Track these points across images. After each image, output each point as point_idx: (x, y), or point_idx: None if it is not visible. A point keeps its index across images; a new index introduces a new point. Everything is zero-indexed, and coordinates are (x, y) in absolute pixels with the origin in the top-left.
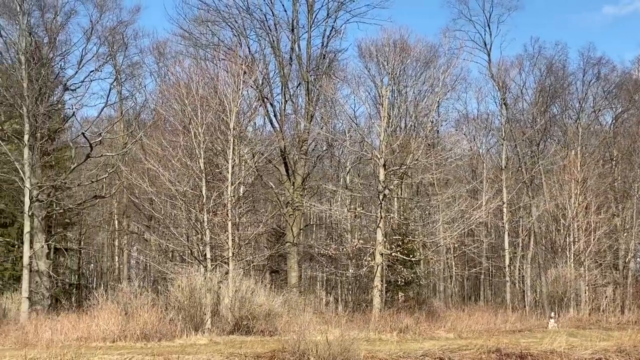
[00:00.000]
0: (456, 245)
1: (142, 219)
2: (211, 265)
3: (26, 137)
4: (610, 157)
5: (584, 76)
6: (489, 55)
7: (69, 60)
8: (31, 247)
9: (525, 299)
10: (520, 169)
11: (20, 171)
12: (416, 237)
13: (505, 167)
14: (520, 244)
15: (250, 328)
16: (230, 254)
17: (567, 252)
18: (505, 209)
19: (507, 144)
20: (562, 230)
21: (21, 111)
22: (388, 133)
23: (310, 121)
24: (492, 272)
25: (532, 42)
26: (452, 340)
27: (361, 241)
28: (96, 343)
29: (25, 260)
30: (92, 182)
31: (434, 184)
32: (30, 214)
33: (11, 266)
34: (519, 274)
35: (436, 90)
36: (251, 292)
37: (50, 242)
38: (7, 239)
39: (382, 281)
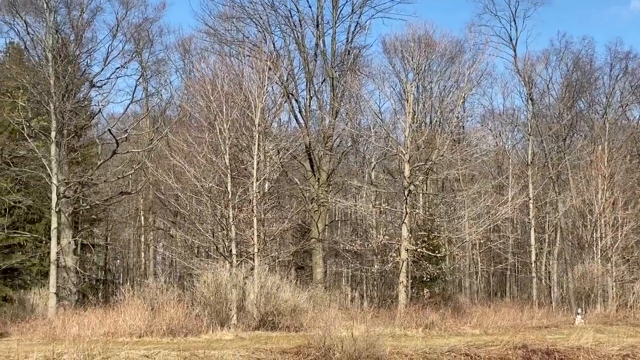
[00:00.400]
0: (482, 241)
1: (168, 215)
2: (237, 261)
3: (53, 134)
4: (638, 152)
5: (611, 71)
6: (514, 50)
7: (95, 58)
8: (58, 243)
9: (552, 295)
10: (546, 164)
11: (47, 168)
12: (441, 233)
13: (531, 162)
14: (547, 240)
15: (276, 324)
16: (256, 250)
17: (594, 248)
18: (531, 205)
19: (533, 139)
20: (589, 226)
21: (48, 108)
22: (413, 129)
23: (335, 117)
24: (518, 268)
25: (559, 36)
26: (478, 336)
27: (386, 237)
28: (123, 338)
29: (53, 256)
30: (118, 178)
31: (459, 179)
32: (57, 210)
33: (39, 262)
34: (546, 269)
35: (461, 85)
36: (276, 287)
37: (77, 238)
38: (35, 235)
39: (407, 277)
